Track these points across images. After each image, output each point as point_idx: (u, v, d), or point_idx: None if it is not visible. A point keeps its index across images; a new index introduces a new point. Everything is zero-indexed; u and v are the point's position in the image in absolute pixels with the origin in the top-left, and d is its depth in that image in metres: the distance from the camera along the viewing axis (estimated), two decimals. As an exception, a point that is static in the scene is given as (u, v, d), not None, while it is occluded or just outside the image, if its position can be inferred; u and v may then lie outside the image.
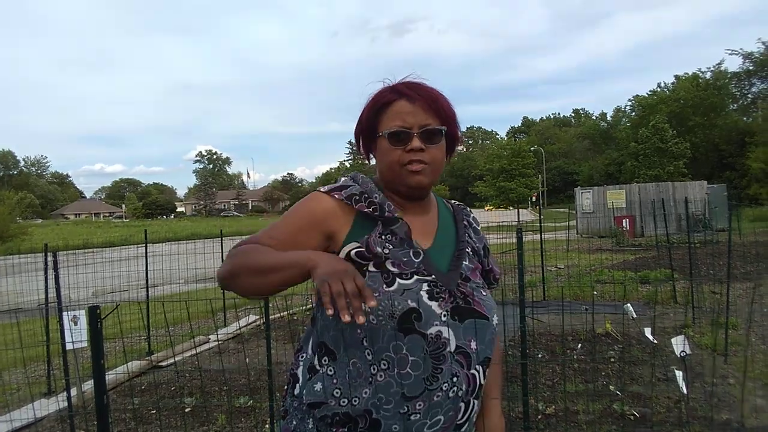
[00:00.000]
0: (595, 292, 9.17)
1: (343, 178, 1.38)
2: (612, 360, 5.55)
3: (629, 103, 56.10)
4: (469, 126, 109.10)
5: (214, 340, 6.96)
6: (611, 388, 4.72)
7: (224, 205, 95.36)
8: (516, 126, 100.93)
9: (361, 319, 0.97)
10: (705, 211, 19.28)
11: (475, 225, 1.47)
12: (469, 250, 1.39)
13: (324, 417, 1.22)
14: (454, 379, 1.21)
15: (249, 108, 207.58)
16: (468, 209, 1.51)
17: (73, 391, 4.73)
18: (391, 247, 1.26)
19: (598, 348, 5.96)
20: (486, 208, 46.29)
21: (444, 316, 1.22)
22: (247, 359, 6.19)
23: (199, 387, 5.23)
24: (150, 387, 5.38)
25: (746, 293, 8.20)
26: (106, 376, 5.23)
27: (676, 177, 36.01)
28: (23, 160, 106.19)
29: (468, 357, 1.24)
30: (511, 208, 43.39)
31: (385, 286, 1.20)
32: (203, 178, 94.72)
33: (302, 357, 1.34)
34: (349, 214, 1.29)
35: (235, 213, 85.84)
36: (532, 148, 52.13)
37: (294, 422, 1.29)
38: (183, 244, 14.77)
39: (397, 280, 1.21)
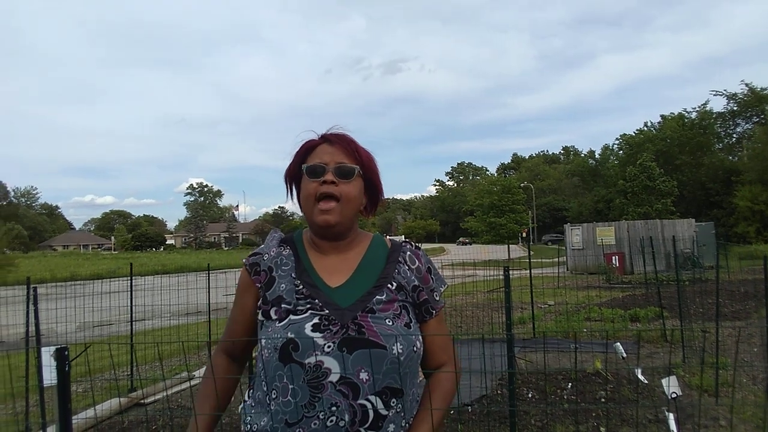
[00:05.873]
0: (585, 330, 9.12)
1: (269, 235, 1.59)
2: (602, 400, 5.48)
3: (617, 141, 56.87)
4: (459, 162, 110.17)
5: (199, 377, 6.83)
6: (602, 430, 4.64)
7: (215, 238, 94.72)
8: (506, 162, 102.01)
9: None
10: (694, 249, 19.38)
11: (410, 264, 1.50)
12: (392, 285, 1.44)
13: None
14: (333, 408, 1.27)
15: (241, 142, 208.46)
16: (411, 246, 1.56)
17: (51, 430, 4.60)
18: (273, 298, 1.42)
19: (589, 388, 5.89)
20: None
21: (328, 347, 1.30)
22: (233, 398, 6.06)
23: (181, 426, 5.10)
24: (132, 425, 5.24)
25: (735, 332, 8.18)
26: (91, 412, 5.10)
27: (664, 215, 36.30)
28: (13, 190, 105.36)
29: (355, 387, 1.29)
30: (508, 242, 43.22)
31: (277, 322, 1.36)
32: (194, 211, 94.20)
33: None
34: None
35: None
36: (521, 185, 52.51)
37: None
38: (173, 277, 14.60)
39: (290, 316, 1.36)
